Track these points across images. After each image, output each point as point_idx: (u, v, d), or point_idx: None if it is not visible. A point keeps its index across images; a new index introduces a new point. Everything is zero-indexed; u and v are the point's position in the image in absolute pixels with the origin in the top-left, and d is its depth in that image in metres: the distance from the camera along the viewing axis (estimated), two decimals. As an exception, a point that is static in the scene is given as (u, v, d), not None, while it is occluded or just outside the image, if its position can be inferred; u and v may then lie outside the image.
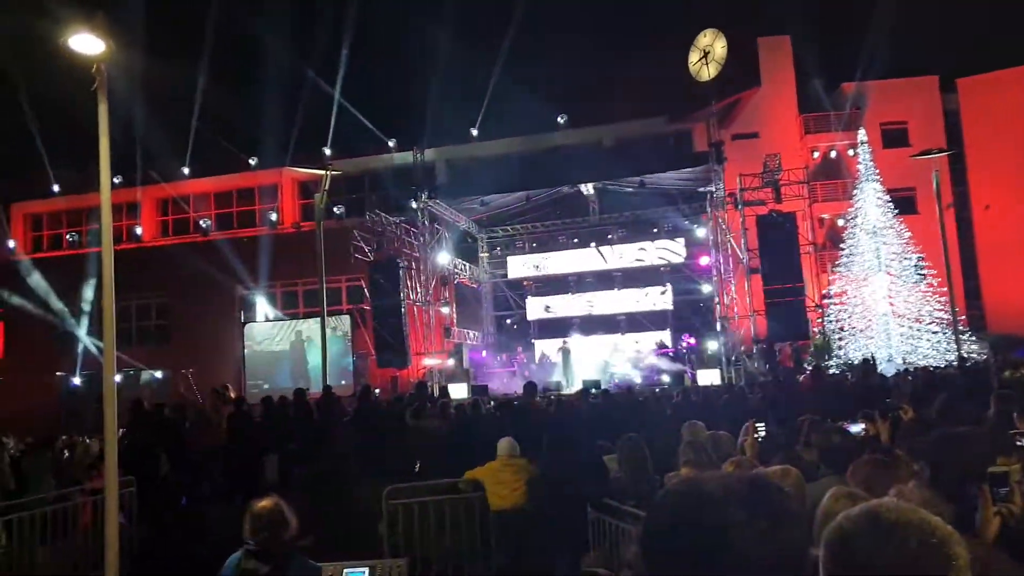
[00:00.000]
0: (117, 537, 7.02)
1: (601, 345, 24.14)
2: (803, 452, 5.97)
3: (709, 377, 19.50)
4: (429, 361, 22.73)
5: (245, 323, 25.48)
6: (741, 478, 1.33)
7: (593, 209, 24.77)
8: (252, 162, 28.15)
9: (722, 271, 22.28)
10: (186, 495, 11.91)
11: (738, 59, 24.77)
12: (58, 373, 27.66)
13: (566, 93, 23.20)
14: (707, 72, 25.03)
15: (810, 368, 18.35)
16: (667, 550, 1.25)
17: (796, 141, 26.45)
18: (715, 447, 6.79)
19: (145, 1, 21.68)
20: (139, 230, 28.97)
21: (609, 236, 25.29)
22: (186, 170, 28.44)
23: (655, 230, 24.92)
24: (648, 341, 24.34)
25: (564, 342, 23.09)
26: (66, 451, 12.27)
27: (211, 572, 4.70)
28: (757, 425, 7.55)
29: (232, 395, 14.52)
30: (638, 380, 21.02)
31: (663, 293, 24.97)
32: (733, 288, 21.91)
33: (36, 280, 26.64)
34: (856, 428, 7.21)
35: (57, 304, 26.78)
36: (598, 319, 25.51)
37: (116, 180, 26.13)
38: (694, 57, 25.29)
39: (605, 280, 25.64)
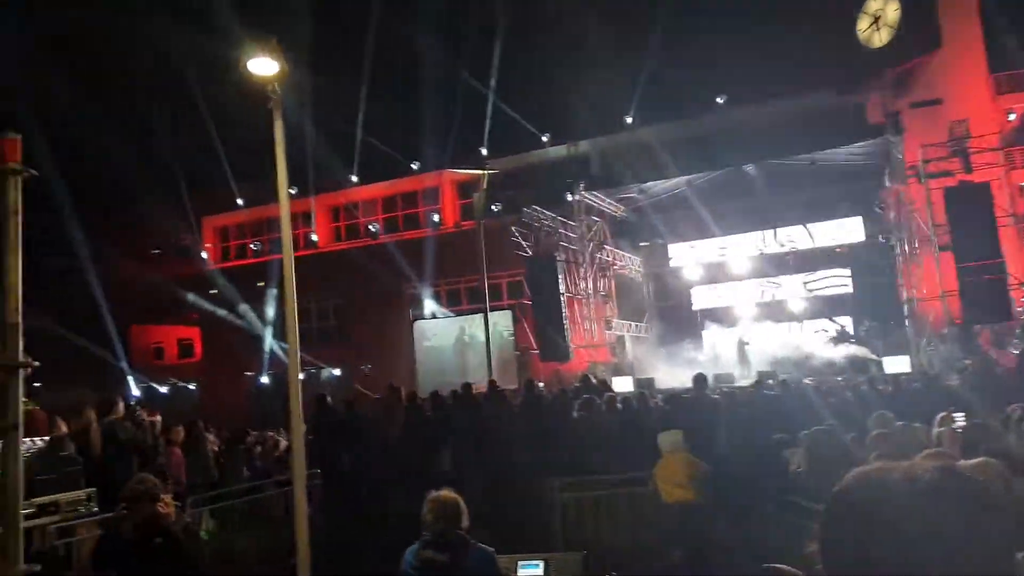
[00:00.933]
0: (307, 526, 7.45)
1: (774, 333, 23.11)
2: (1016, 445, 5.37)
3: (897, 364, 18.13)
4: (590, 354, 22.64)
5: (414, 320, 26.49)
6: (928, 467, 1.20)
7: (759, 191, 23.73)
8: (414, 166, 29.19)
9: (907, 249, 20.67)
10: (366, 487, 12.51)
11: (914, 21, 22.80)
12: (247, 373, 29.99)
13: (725, 71, 22.25)
14: (878, 38, 23.24)
15: (1016, 352, 16.64)
16: (846, 542, 1.16)
17: (987, 104, 24.00)
18: (907, 439, 6.26)
19: (310, 19, 22.89)
20: (314, 236, 30.80)
21: (778, 218, 24.10)
22: (354, 178, 29.91)
23: (829, 209, 23.48)
24: (829, 327, 23.02)
25: (741, 334, 22.31)
26: (258, 446, 13.22)
27: (391, 559, 4.84)
28: (955, 415, 6.88)
29: (403, 392, 15.09)
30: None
31: (841, 276, 23.51)
32: (921, 267, 20.26)
33: (226, 287, 28.95)
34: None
35: (244, 309, 28.98)
36: (769, 306, 24.40)
37: (292, 191, 27.73)
38: (863, 24, 23.53)
39: (776, 265, 24.43)
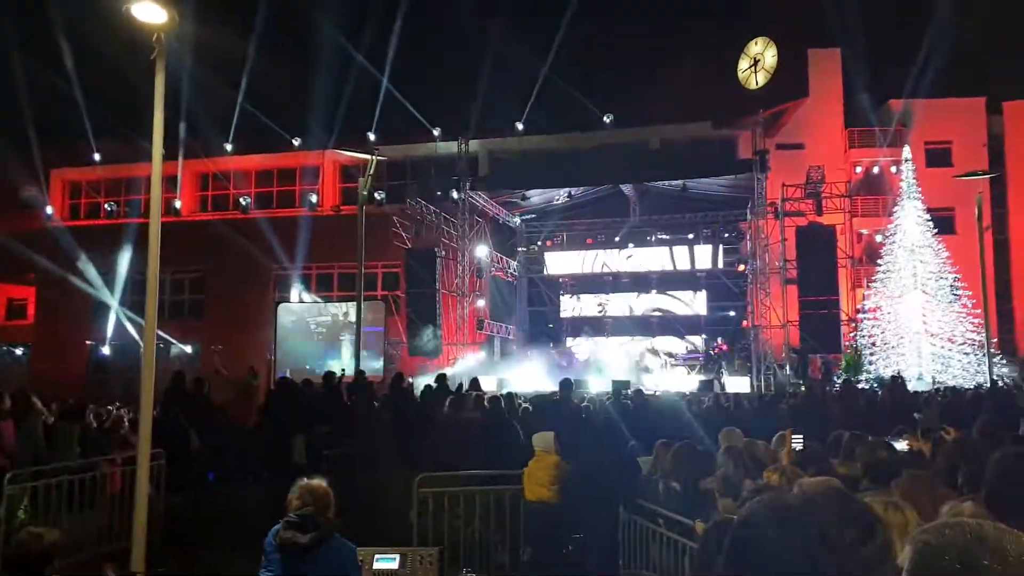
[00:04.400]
0: (146, 507, 7.04)
1: (635, 346, 24.15)
2: (839, 466, 5.88)
3: (738, 385, 19.39)
4: (459, 351, 22.77)
5: (279, 303, 25.61)
6: (826, 492, 1.30)
7: (634, 210, 24.66)
8: (296, 143, 28.30)
9: (758, 280, 22.13)
10: (214, 471, 12.02)
11: (788, 69, 24.53)
12: (88, 342, 27.95)
13: (614, 93, 23.11)
14: (756, 80, 24.83)
15: (840, 381, 18.22)
16: (753, 566, 1.22)
17: (840, 154, 26.15)
18: (751, 455, 6.73)
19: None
20: (178, 204, 29.23)
21: (648, 238, 25.16)
22: (229, 146, 28.65)
23: (693, 235, 24.78)
24: (680, 345, 24.28)
25: (648, 344, 23.19)
26: (95, 421, 12.38)
27: (234, 544, 4.72)
28: (794, 436, 7.46)
29: (264, 376, 14.64)
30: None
31: (697, 298, 24.85)
32: (768, 297, 21.75)
33: (71, 247, 26.85)
34: (900, 445, 7.10)
35: (91, 273, 27.01)
36: (632, 320, 25.42)
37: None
38: (744, 64, 25.09)
39: (641, 282, 25.51)
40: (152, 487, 8.27)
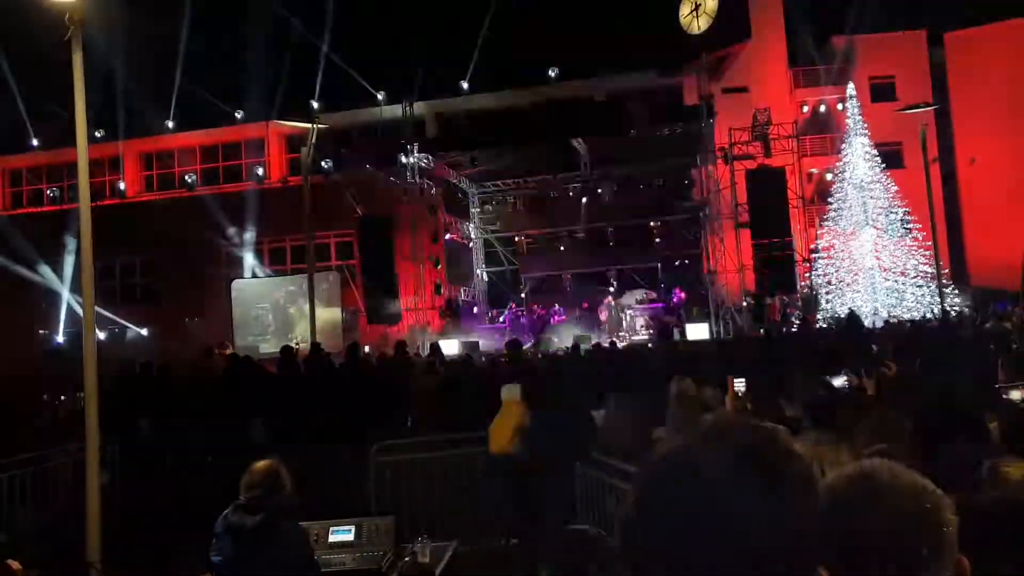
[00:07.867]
0: (98, 496, 6.91)
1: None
2: (786, 406, 5.99)
3: (698, 332, 19.61)
4: (418, 317, 22.71)
5: (232, 280, 25.24)
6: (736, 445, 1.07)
7: (585, 164, 24.59)
8: (238, 115, 27.68)
9: (712, 226, 22.27)
10: (172, 454, 11.90)
11: (729, 12, 24.39)
12: (41, 331, 27.34)
13: (558, 46, 22.77)
14: (698, 25, 24.63)
15: (799, 322, 18.51)
16: (665, 511, 1.05)
17: (786, 95, 26.23)
18: (701, 401, 6.84)
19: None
20: (122, 185, 28.53)
21: (600, 191, 25.12)
22: (170, 124, 27.96)
23: (644, 185, 24.79)
24: (639, 296, 24.43)
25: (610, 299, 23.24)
26: (48, 411, 12.18)
27: (193, 530, 4.69)
28: (736, 380, 7.59)
29: (226, 352, 14.45)
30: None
31: (653, 248, 25.00)
32: (723, 243, 21.92)
33: (16, 237, 26.11)
34: (839, 382, 7.25)
35: (39, 261, 26.37)
36: (590, 275, 25.52)
37: (98, 134, 25.59)
38: (685, 10, 24.85)
39: (597, 236, 25.56)
40: (106, 475, 8.15)
